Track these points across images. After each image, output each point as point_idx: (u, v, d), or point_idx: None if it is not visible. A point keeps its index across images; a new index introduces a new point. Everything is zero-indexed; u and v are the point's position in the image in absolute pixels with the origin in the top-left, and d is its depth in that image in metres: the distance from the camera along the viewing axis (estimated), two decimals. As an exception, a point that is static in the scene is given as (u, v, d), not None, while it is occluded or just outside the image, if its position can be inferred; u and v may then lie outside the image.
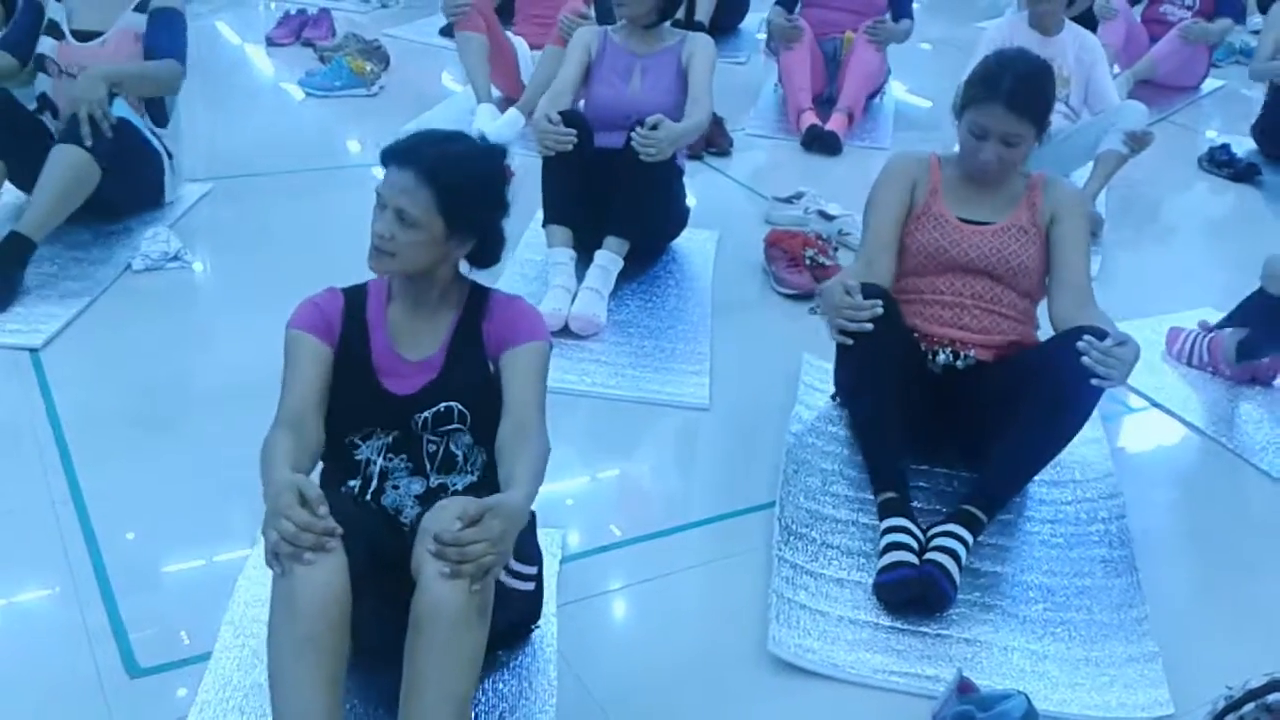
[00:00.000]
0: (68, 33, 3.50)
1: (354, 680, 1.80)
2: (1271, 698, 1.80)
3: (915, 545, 2.33)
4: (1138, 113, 4.26)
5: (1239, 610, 2.39)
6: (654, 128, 3.29)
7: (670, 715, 2.03)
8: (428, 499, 1.97)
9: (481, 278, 2.11)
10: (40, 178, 3.24)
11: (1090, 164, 4.24)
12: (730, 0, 6.24)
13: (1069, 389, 2.41)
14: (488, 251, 2.09)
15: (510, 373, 1.98)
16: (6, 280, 3.13)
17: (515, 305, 2.07)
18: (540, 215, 3.50)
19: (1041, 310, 2.72)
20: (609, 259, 3.35)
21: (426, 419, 1.98)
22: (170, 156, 3.73)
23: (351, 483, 1.99)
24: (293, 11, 6.12)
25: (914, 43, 5.49)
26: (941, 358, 2.63)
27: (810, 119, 4.95)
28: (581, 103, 3.73)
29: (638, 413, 2.93)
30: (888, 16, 5.22)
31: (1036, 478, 2.60)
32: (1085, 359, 2.34)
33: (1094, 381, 2.35)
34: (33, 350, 2.96)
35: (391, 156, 1.97)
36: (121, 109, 3.40)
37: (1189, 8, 6.10)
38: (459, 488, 2.00)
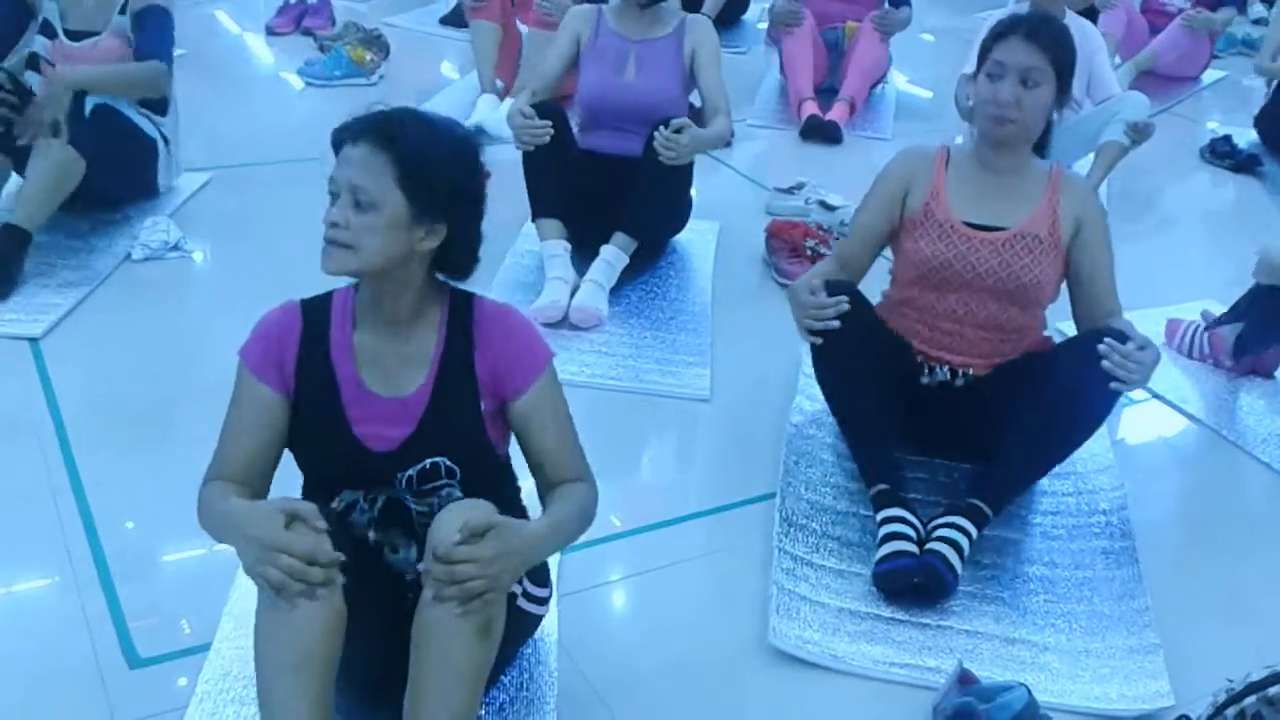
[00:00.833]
0: (61, 32, 3.48)
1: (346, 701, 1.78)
2: (1273, 690, 1.79)
3: (914, 535, 2.32)
4: (1140, 104, 4.24)
5: (1240, 602, 2.39)
6: (678, 130, 3.19)
7: (670, 706, 2.03)
8: None
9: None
10: (27, 171, 3.28)
11: (1091, 155, 4.23)
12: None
13: (1086, 390, 2.39)
14: (461, 249, 1.77)
15: (528, 425, 1.78)
16: (5, 270, 3.13)
17: (508, 326, 1.80)
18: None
19: (1053, 311, 2.66)
20: (615, 255, 3.32)
21: (411, 477, 1.76)
22: (168, 143, 3.72)
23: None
24: (292, 0, 6.11)
25: (915, 33, 5.48)
26: (939, 374, 2.59)
27: (811, 108, 4.94)
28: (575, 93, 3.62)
29: (638, 404, 2.93)
30: (886, 4, 5.21)
31: (1041, 474, 2.60)
32: (1106, 362, 2.33)
33: (1113, 385, 2.34)
34: (33, 339, 2.96)
35: (343, 134, 1.70)
36: (108, 97, 3.40)
37: None
38: None
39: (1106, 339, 2.35)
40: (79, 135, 3.29)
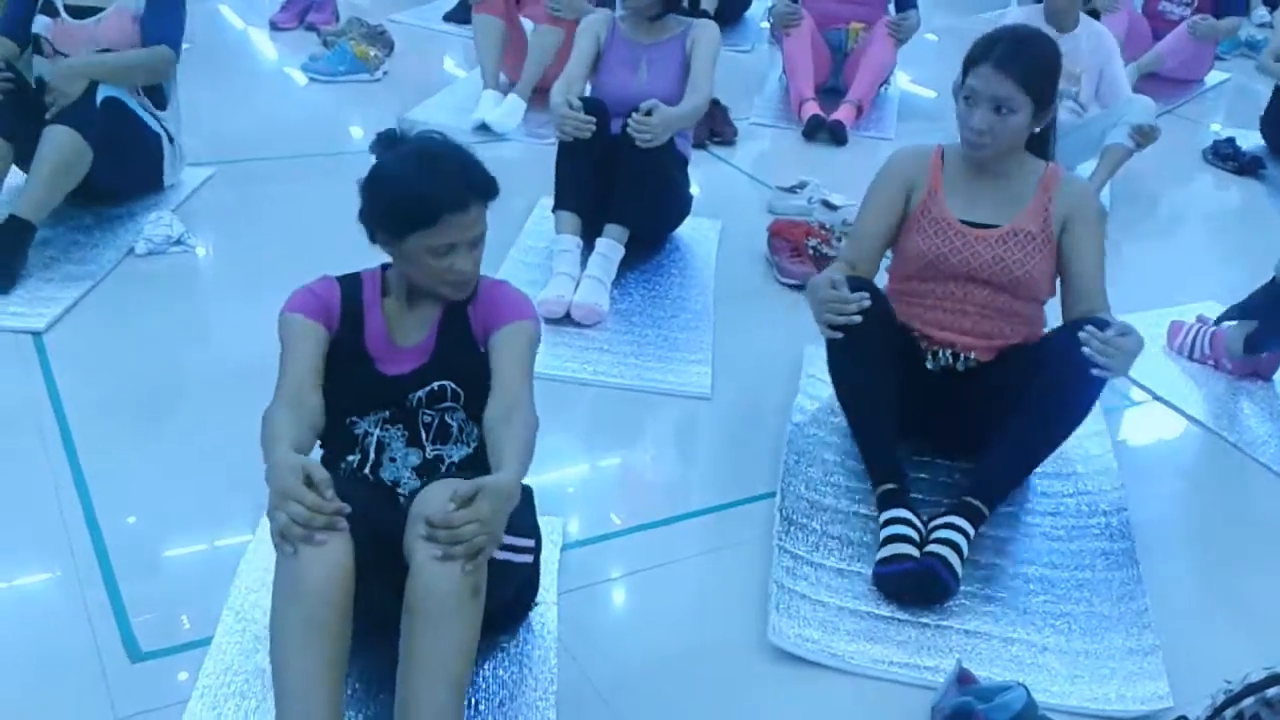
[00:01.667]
0: (62, 9, 3.44)
1: (354, 662, 1.81)
2: (1271, 692, 1.80)
3: (916, 537, 2.33)
4: (1146, 108, 4.25)
5: (1239, 604, 2.39)
6: (648, 113, 3.29)
7: (670, 704, 2.03)
8: (425, 470, 2.00)
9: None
10: (33, 160, 3.23)
11: (1096, 158, 4.23)
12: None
13: (1071, 380, 2.40)
14: None
15: (497, 353, 2.00)
16: (8, 263, 3.13)
17: (500, 288, 2.09)
18: (544, 202, 3.49)
19: (1054, 312, 2.67)
20: (610, 246, 3.34)
21: (420, 397, 2.02)
22: (171, 139, 3.72)
23: (350, 458, 2.01)
24: (296, -5, 6.11)
25: (919, 33, 5.47)
26: (941, 359, 2.61)
27: (812, 109, 4.93)
28: (589, 90, 3.72)
29: (639, 401, 2.93)
30: (890, 8, 5.21)
31: (1037, 470, 2.60)
32: (1086, 349, 2.34)
33: (1095, 371, 2.34)
34: (35, 333, 2.96)
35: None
36: (114, 89, 3.38)
37: (1187, 4, 6.07)
38: (455, 459, 2.02)
39: (1087, 326, 2.36)
40: (88, 125, 3.26)
